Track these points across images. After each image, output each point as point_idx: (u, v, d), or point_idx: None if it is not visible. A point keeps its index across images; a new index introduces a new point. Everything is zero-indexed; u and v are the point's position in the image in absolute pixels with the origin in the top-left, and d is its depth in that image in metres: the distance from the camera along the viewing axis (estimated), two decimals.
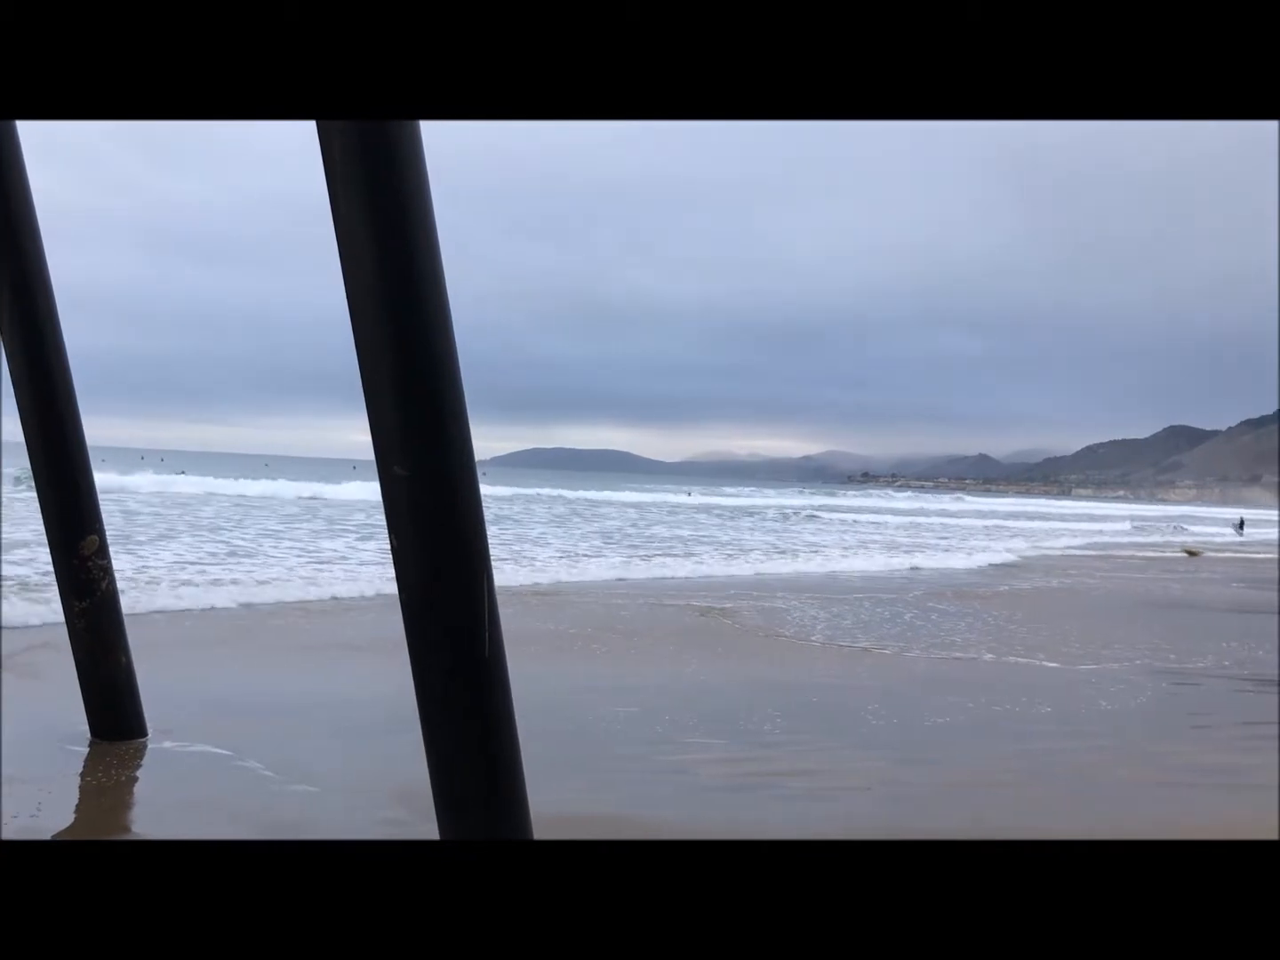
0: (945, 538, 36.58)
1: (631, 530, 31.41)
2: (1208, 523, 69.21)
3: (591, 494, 56.31)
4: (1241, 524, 51.84)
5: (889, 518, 49.52)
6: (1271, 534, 50.85)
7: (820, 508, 62.44)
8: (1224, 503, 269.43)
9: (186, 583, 13.52)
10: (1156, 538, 45.04)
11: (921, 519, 50.39)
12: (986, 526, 45.63)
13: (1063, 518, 65.06)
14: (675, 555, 22.55)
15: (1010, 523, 50.81)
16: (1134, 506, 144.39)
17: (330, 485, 42.62)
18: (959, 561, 25.07)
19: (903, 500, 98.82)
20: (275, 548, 19.07)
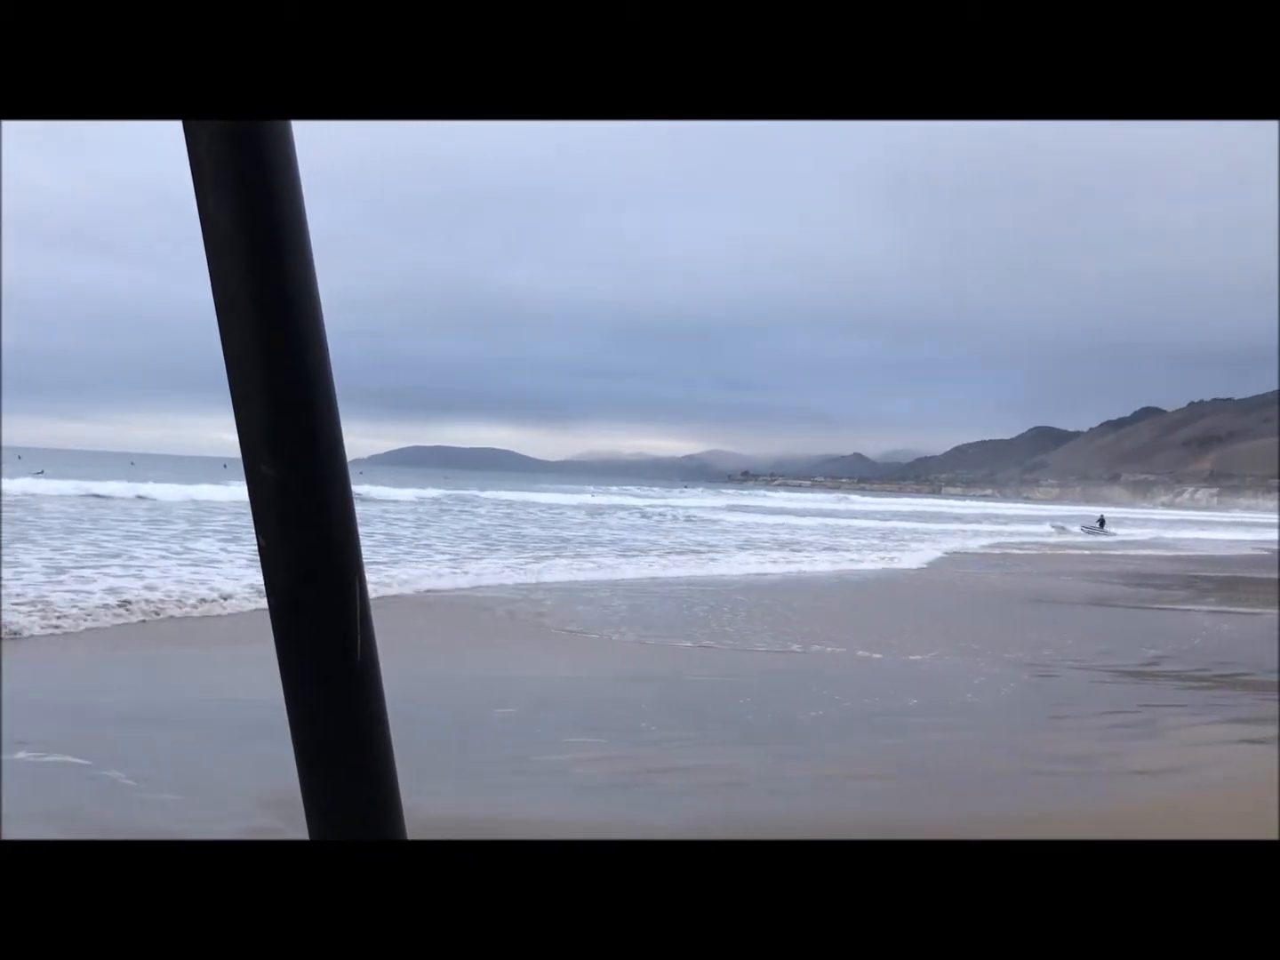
0: (886, 538, 36.97)
1: (533, 532, 31.15)
2: (1130, 524, 72.12)
3: (466, 492, 54.80)
4: (1102, 521, 53.88)
5: (816, 520, 49.26)
6: (1135, 533, 53.09)
7: (735, 507, 62.94)
8: (1085, 501, 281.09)
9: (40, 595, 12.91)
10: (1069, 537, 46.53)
11: (833, 520, 50.60)
12: (909, 529, 45.46)
13: (979, 519, 66.58)
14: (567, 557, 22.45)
15: (930, 525, 50.72)
16: (1002, 505, 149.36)
17: (200, 486, 40.97)
18: (875, 562, 25.56)
19: (809, 500, 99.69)
20: (144, 550, 18.36)
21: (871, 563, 25.03)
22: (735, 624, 13.16)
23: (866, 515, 61.46)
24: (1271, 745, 7.60)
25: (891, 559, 26.25)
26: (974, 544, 35.84)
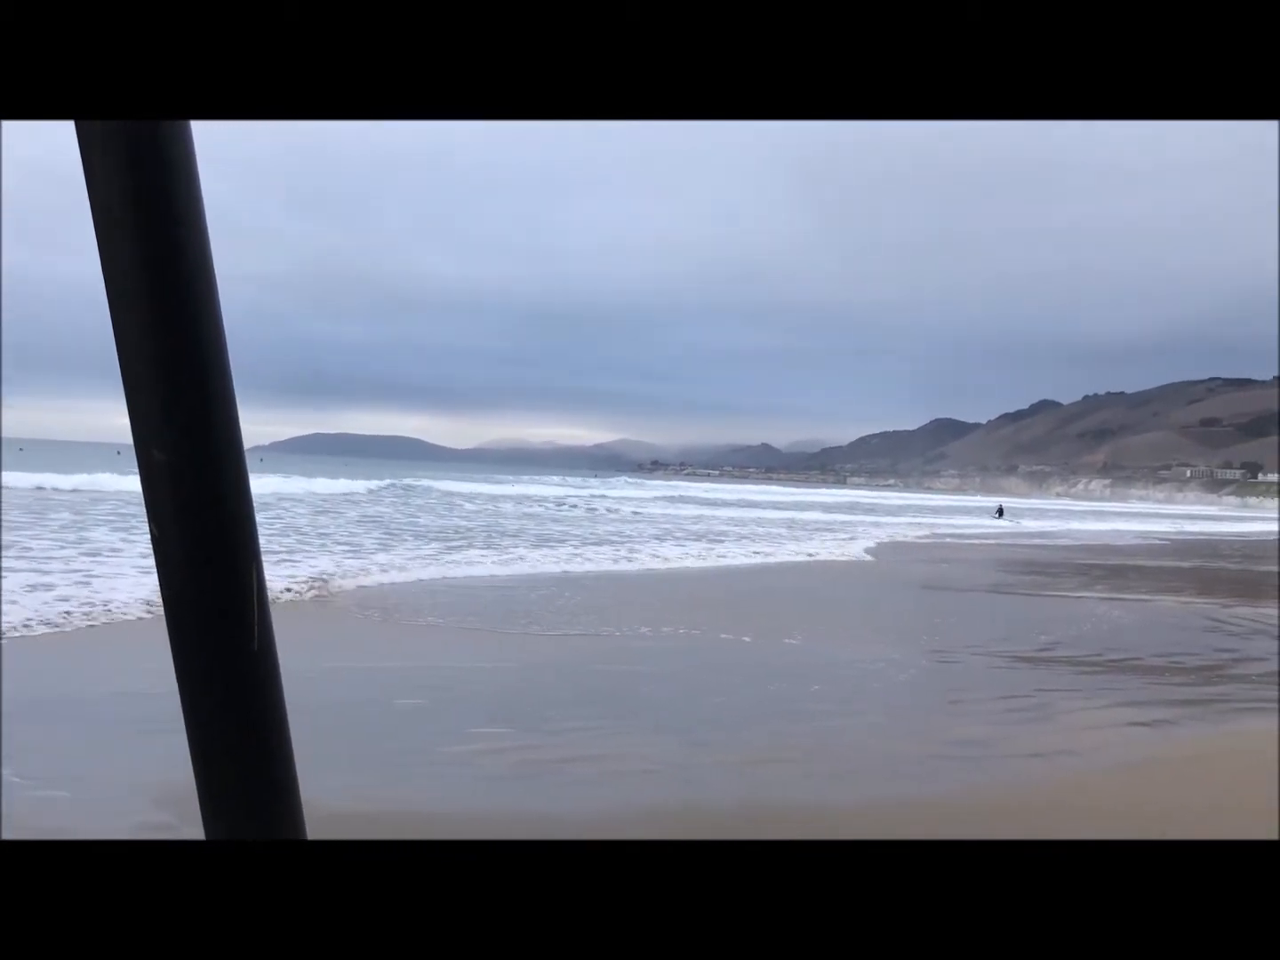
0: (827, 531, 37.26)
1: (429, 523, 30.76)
2: (1046, 515, 73.72)
3: (357, 483, 50.71)
4: (1001, 511, 55.16)
5: (763, 512, 48.81)
6: (1047, 525, 54.42)
7: (678, 498, 62.41)
8: (984, 491, 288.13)
9: None
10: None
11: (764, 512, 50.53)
12: (827, 520, 45.34)
13: (917, 510, 67.23)
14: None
15: (836, 516, 50.53)
16: (907, 495, 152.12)
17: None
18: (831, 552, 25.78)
19: (728, 491, 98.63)
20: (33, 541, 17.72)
21: (788, 555, 25.33)
22: (650, 613, 13.21)
23: (794, 506, 61.06)
24: (1160, 728, 7.90)
25: (812, 553, 26.57)
26: (898, 535, 36.50)
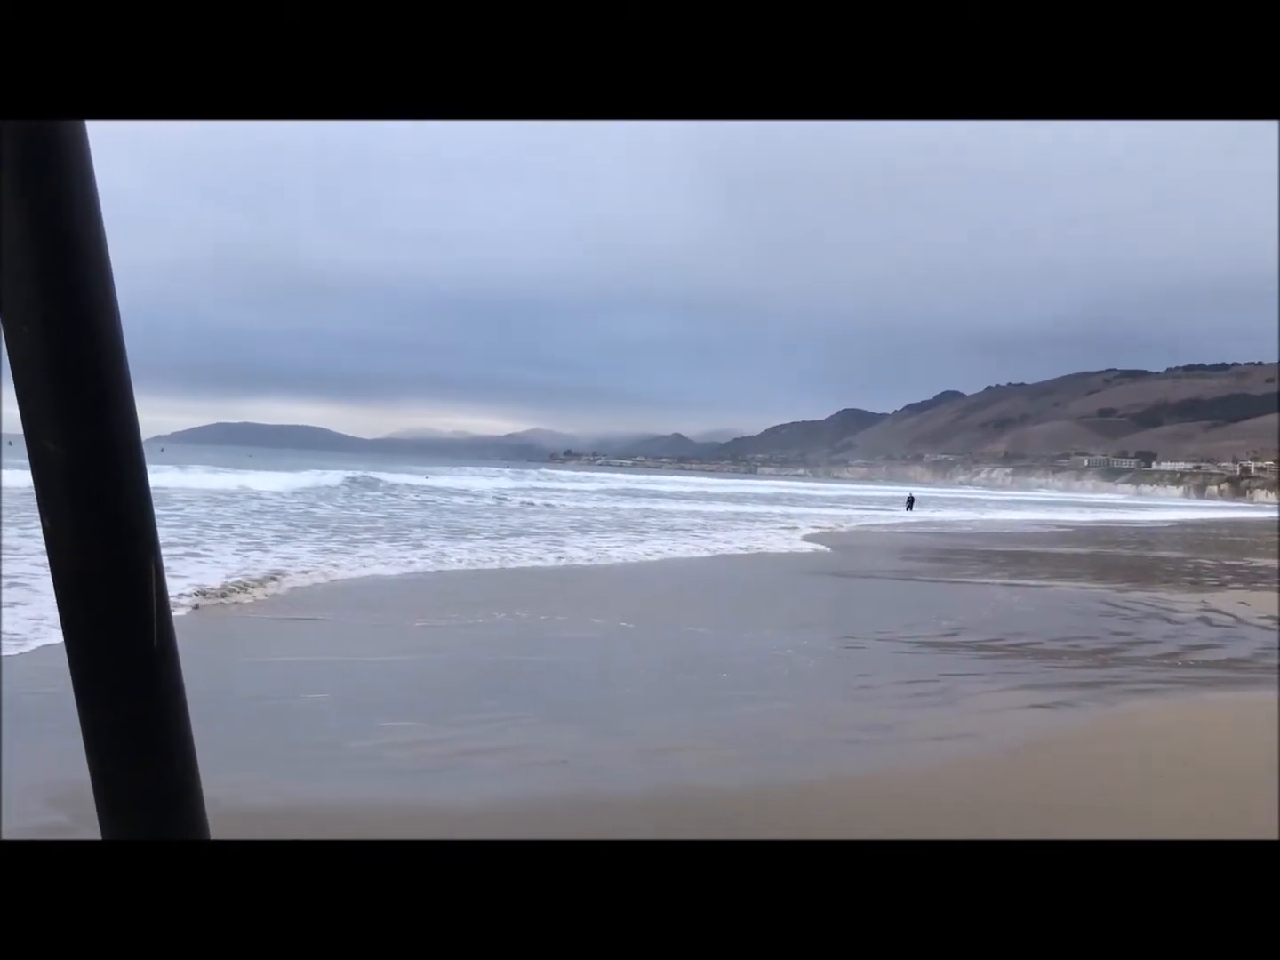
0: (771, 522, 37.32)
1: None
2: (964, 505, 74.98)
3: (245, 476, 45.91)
4: (911, 501, 55.89)
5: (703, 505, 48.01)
6: (954, 514, 55.45)
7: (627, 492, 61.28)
8: (890, 480, 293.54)
9: None
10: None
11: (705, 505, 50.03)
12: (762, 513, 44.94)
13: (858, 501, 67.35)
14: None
15: (798, 508, 50.18)
16: (817, 485, 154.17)
17: None
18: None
19: (645, 482, 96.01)
20: None
21: (705, 549, 25.45)
22: (555, 605, 13.16)
23: (711, 498, 60.12)
24: (1057, 710, 8.12)
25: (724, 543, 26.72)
26: (829, 525, 36.92)
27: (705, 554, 22.06)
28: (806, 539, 28.14)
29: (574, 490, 57.85)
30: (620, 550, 21.32)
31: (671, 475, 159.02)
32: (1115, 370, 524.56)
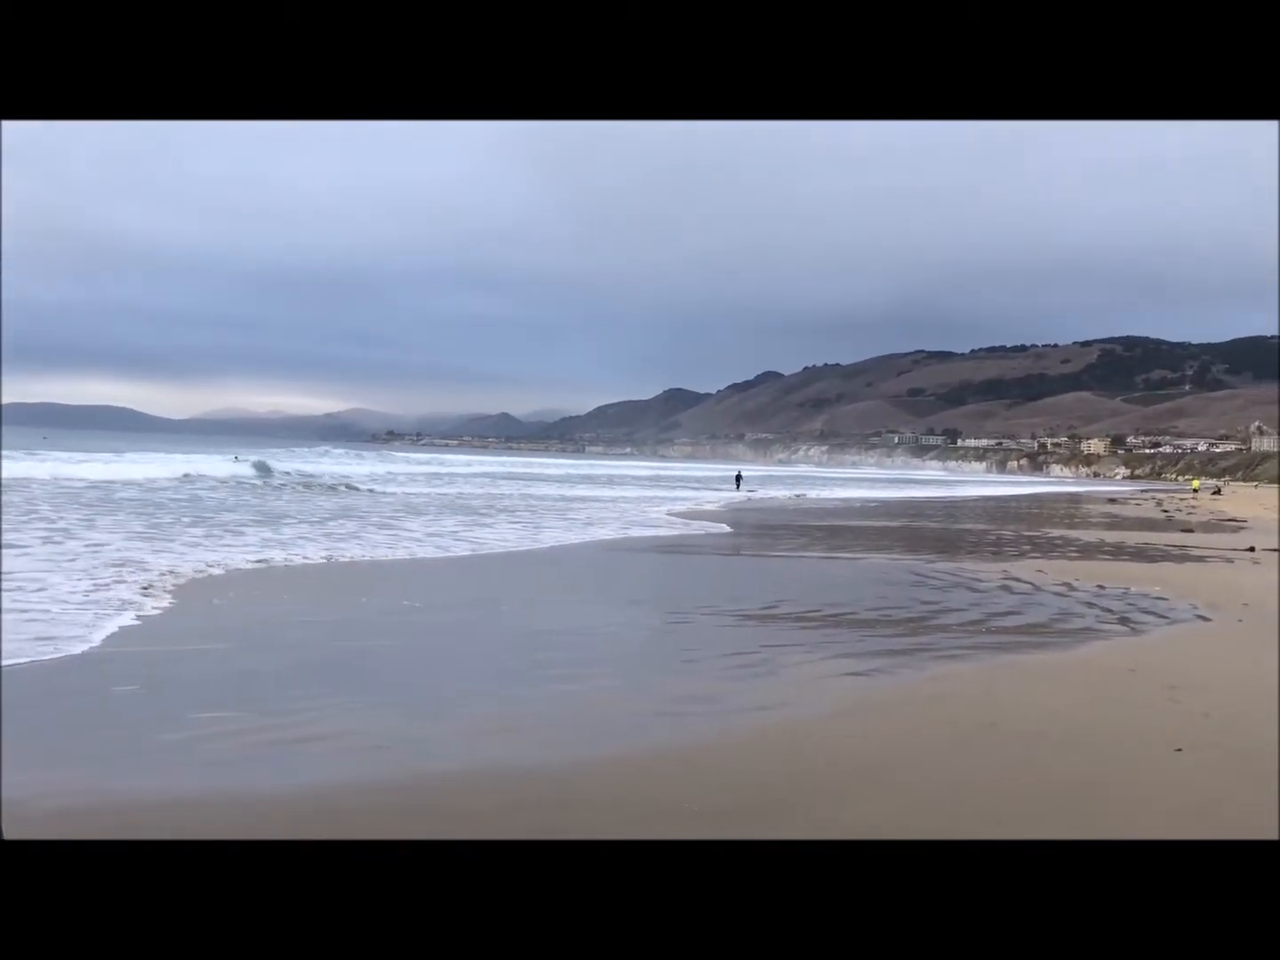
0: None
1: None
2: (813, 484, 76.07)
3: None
4: (739, 479, 56.85)
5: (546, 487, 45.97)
6: (782, 491, 56.75)
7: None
8: (715, 458, 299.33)
9: None
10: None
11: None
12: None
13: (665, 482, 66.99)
14: None
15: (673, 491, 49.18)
16: (646, 463, 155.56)
17: None
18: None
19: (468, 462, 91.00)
20: None
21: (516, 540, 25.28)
22: (377, 592, 12.89)
23: (549, 479, 58.78)
24: (872, 677, 8.44)
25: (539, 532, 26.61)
26: (663, 509, 37.18)
27: (532, 545, 22.01)
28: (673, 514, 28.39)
29: (406, 474, 55.62)
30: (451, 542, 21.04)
31: (499, 456, 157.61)
32: (923, 351, 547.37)
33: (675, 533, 24.05)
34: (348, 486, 38.37)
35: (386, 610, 11.26)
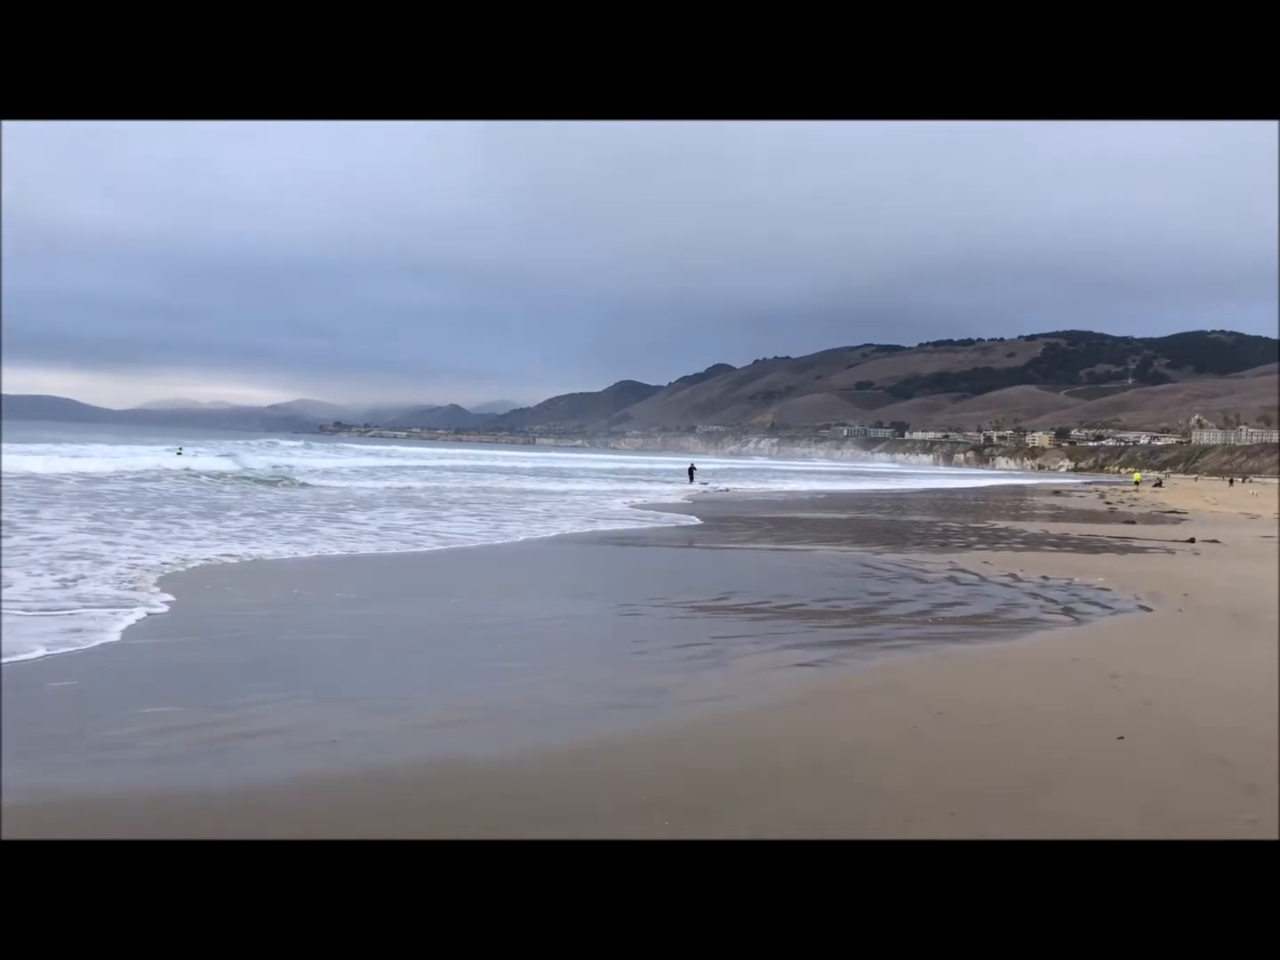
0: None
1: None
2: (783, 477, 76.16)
3: None
4: (692, 471, 56.80)
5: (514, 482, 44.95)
6: (741, 485, 56.78)
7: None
8: (666, 450, 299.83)
9: None
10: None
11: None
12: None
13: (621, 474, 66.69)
14: None
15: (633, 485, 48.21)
16: (598, 455, 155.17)
17: None
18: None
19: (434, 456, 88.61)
20: None
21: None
22: (330, 587, 12.77)
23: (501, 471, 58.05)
24: (821, 667, 8.51)
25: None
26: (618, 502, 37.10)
27: (485, 541, 21.90)
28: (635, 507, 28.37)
29: (351, 468, 55.00)
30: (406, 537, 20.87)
31: (450, 448, 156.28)
32: (872, 345, 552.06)
33: (633, 526, 24.08)
34: (299, 481, 37.56)
35: (340, 605, 11.16)
